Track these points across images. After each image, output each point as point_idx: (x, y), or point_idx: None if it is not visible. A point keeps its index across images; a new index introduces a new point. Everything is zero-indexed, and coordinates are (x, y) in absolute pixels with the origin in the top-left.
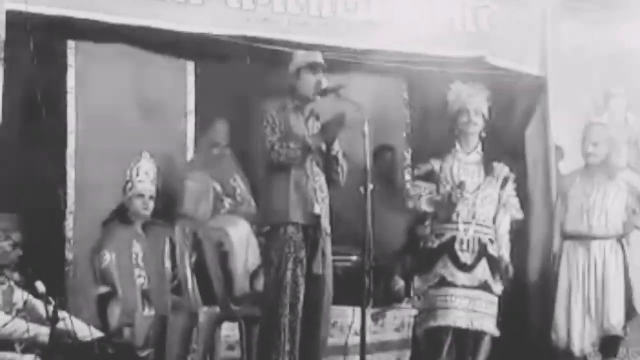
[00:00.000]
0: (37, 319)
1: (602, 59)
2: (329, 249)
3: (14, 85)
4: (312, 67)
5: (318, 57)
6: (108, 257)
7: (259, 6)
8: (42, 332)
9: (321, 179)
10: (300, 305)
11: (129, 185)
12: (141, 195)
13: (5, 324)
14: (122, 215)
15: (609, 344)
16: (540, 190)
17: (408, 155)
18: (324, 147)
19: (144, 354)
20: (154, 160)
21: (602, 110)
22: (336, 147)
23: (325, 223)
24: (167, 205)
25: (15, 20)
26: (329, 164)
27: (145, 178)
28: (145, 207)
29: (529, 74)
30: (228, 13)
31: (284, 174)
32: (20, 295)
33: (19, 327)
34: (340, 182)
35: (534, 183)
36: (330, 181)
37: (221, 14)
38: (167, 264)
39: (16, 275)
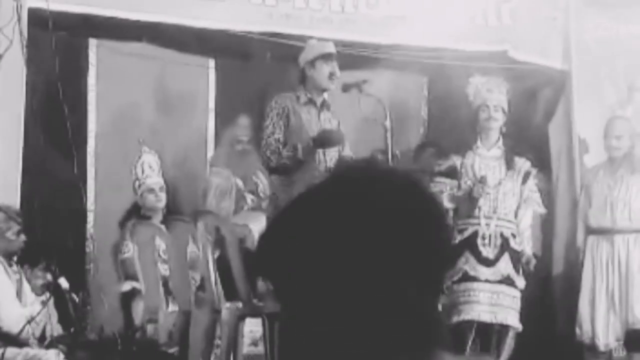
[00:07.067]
0: None
1: (626, 52)
2: None
3: (36, 82)
4: (326, 57)
5: (331, 48)
6: (131, 248)
7: (280, 2)
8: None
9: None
10: None
11: (137, 183)
12: (152, 190)
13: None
14: (137, 213)
15: (634, 338)
16: (564, 184)
17: None
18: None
19: (170, 350)
20: (154, 152)
21: (626, 104)
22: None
23: None
24: (189, 201)
25: (37, 18)
26: None
27: (151, 172)
28: (158, 199)
29: (552, 68)
30: (250, 9)
31: (296, 170)
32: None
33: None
34: None
35: (558, 177)
36: None
37: (243, 10)
38: (190, 259)
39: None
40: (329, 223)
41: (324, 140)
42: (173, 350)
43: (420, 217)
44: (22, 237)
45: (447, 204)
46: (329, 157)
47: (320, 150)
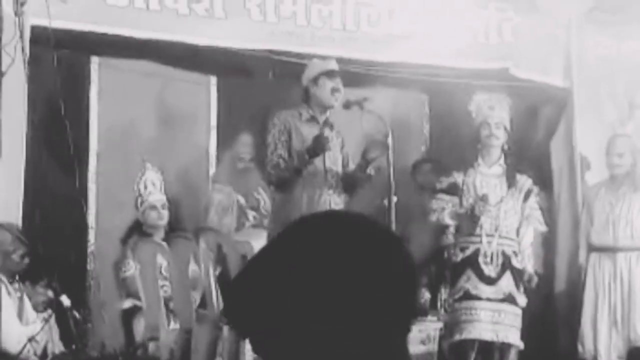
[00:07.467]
0: None
1: (627, 69)
2: None
3: (38, 99)
4: (329, 74)
5: (334, 65)
6: (132, 266)
7: (282, 20)
8: None
9: (332, 192)
10: None
11: (140, 200)
12: (154, 207)
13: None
14: (139, 230)
15: (636, 356)
16: (566, 202)
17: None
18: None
19: None
20: (157, 169)
21: (627, 121)
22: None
23: None
24: (191, 218)
25: (39, 35)
26: (359, 179)
27: (153, 189)
28: (160, 217)
29: (553, 86)
30: (251, 27)
31: (298, 188)
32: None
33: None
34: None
35: (560, 194)
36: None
37: (245, 27)
38: (191, 276)
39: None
40: (293, 272)
41: (316, 146)
42: None
43: (387, 260)
44: (27, 260)
45: (449, 221)
46: (327, 162)
47: (317, 159)
